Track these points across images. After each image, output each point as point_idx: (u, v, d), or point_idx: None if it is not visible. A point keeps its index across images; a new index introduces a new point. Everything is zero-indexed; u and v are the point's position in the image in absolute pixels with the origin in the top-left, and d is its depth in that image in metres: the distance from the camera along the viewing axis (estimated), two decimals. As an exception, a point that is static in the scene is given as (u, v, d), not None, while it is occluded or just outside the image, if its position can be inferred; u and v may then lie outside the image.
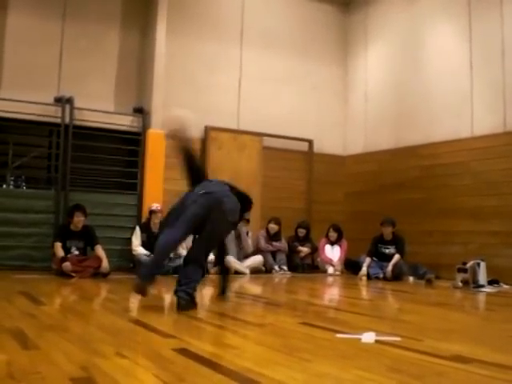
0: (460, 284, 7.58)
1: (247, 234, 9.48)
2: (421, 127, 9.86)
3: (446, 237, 9.19)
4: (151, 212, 8.65)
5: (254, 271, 9.18)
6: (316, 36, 11.39)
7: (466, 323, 4.79)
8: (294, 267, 9.73)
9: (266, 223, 9.90)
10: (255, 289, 7.63)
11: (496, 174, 8.52)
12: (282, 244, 9.84)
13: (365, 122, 11.14)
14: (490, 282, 7.66)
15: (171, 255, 8.54)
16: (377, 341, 3.55)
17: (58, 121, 8.76)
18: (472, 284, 7.49)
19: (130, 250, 8.60)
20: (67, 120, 8.79)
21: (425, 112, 9.83)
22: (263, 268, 9.47)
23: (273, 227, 9.79)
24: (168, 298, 6.48)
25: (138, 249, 8.48)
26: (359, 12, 11.49)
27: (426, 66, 9.93)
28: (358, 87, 11.46)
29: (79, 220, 7.98)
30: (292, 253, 9.90)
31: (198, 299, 4.92)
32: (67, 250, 7.82)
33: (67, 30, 9.14)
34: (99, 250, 7.96)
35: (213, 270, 8.85)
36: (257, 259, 9.42)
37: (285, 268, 9.59)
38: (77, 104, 8.87)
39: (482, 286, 7.45)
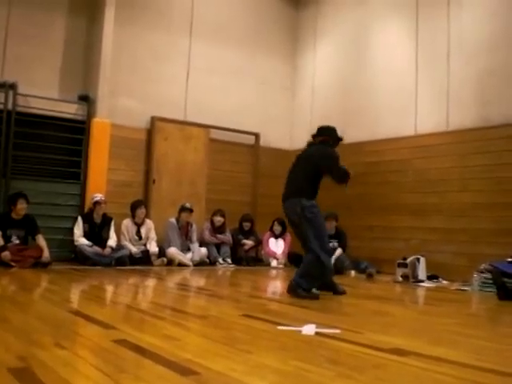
0: (400, 279, 7.74)
1: (191, 225, 9.44)
2: (366, 124, 10.00)
3: (387, 232, 9.36)
4: (95, 203, 8.53)
5: (198, 263, 9.16)
6: (266, 30, 11.41)
7: (404, 317, 4.90)
8: (238, 260, 9.75)
9: (210, 215, 9.88)
10: (198, 281, 7.62)
11: (437, 172, 8.71)
12: (227, 236, 9.84)
13: (311, 117, 11.20)
14: (430, 277, 7.85)
15: (114, 247, 8.50)
16: (317, 333, 3.60)
17: (1, 107, 8.51)
18: (412, 279, 7.65)
19: (72, 241, 8.47)
20: (10, 106, 8.56)
21: (370, 109, 9.97)
22: (207, 260, 9.45)
23: (218, 220, 9.77)
24: (109, 289, 6.43)
25: (80, 239, 8.35)
26: (310, 8, 11.56)
27: (373, 65, 10.06)
28: (305, 83, 11.53)
29: (22, 208, 7.79)
30: (236, 245, 9.92)
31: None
32: (7, 239, 7.63)
33: (13, 14, 8.87)
34: (40, 240, 7.81)
35: (156, 262, 8.83)
36: (201, 251, 9.39)
37: (229, 260, 9.61)
38: (21, 90, 8.65)
39: (422, 281, 7.62)
